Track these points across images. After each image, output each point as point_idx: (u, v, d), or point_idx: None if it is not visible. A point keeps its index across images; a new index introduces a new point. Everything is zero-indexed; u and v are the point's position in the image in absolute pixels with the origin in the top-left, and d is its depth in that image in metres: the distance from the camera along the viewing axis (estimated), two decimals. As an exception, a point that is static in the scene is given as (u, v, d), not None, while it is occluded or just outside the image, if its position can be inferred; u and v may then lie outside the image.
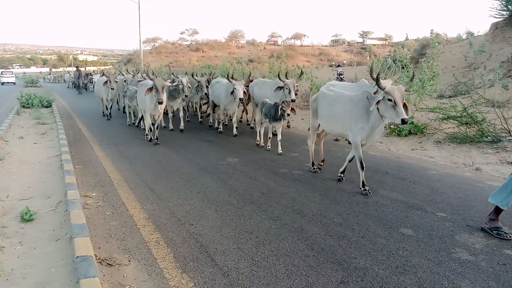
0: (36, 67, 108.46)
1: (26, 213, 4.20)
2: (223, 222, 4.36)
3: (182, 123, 10.85)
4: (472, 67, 16.16)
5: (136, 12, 32.06)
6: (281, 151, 7.75)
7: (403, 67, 12.82)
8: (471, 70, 15.86)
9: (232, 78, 9.43)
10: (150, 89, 8.24)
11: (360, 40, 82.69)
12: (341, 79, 15.61)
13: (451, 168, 6.83)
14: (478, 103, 9.01)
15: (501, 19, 17.74)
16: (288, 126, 11.54)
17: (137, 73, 16.39)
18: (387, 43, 72.83)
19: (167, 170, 6.58)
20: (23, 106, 15.14)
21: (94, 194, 5.27)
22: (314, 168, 6.53)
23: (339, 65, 24.19)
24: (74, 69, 28.76)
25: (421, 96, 10.24)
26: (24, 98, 15.84)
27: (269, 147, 8.13)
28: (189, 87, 10.45)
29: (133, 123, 11.81)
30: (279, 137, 7.86)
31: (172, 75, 11.15)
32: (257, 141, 8.68)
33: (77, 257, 3.20)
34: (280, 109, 7.34)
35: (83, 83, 28.09)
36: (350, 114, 5.47)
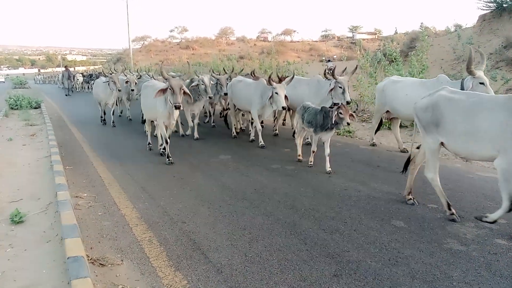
0: (24, 68, 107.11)
1: (16, 215, 4.14)
2: (216, 219, 4.35)
3: (195, 131, 9.10)
4: (461, 59, 16.26)
5: (125, 10, 31.79)
6: (329, 169, 6.13)
7: (392, 61, 12.86)
8: (460, 62, 15.96)
9: (270, 79, 7.41)
10: (163, 91, 6.43)
11: (350, 34, 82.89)
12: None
13: (441, 159, 6.87)
14: (467, 95, 9.05)
15: (488, 11, 17.86)
16: (284, 124, 11.10)
17: (142, 72, 14.46)
18: (376, 37, 73.09)
19: (158, 169, 6.55)
20: (12, 108, 14.94)
21: (85, 195, 5.22)
22: (411, 199, 4.80)
23: (329, 60, 24.22)
24: (63, 69, 27.74)
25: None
26: (12, 99, 15.63)
27: (312, 163, 6.53)
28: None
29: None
30: (327, 151, 6.16)
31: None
32: (299, 155, 6.88)
33: (68, 258, 3.17)
34: (336, 115, 5.72)
35: (72, 84, 26.95)
36: (503, 127, 3.70)
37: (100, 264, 3.39)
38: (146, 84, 7.87)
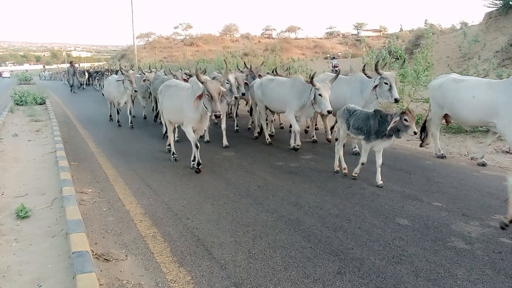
0: (29, 64, 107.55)
1: (21, 210, 4.18)
2: (220, 216, 4.36)
3: (225, 138, 7.98)
4: (467, 57, 16.18)
5: (129, 6, 31.79)
6: (381, 182, 5.32)
7: (397, 58, 12.80)
8: (466, 60, 15.88)
9: (312, 78, 6.56)
10: (200, 97, 5.56)
11: (355, 32, 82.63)
12: (336, 72, 15.59)
13: (447, 158, 6.85)
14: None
15: (494, 8, 17.74)
16: (282, 127, 10.24)
17: (161, 70, 13.37)
18: (381, 34, 72.76)
19: (162, 165, 6.56)
20: (17, 104, 15.03)
21: (90, 190, 5.25)
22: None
23: (334, 57, 24.18)
24: (68, 65, 25.74)
25: (416, 87, 10.24)
26: (17, 95, 15.72)
27: (356, 175, 5.67)
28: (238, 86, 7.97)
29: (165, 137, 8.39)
30: (379, 161, 5.33)
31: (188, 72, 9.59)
32: (337, 167, 6.02)
33: (73, 252, 3.19)
34: (398, 121, 4.87)
35: (78, 81, 25.98)
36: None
37: (105, 259, 3.41)
38: (168, 83, 6.91)
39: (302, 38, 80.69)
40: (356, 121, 5.42)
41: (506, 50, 14.08)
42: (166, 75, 10.82)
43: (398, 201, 4.77)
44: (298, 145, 7.27)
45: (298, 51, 64.59)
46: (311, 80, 6.49)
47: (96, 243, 3.72)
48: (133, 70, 11.76)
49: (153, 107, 11.79)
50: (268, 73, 10.26)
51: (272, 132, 8.85)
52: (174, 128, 7.24)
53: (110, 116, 11.86)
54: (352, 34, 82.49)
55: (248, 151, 7.51)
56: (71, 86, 24.49)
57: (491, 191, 5.09)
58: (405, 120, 4.83)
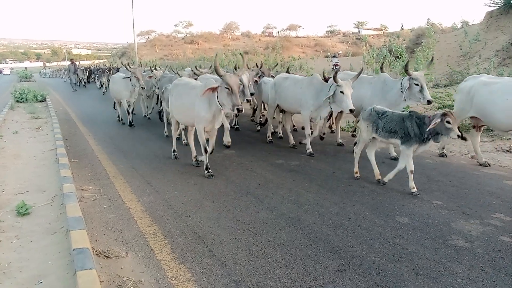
0: (30, 62, 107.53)
1: (22, 207, 4.18)
2: (220, 213, 4.36)
3: (227, 136, 7.26)
4: (467, 56, 16.17)
5: (130, 4, 31.76)
6: (414, 189, 4.92)
7: (397, 57, 12.80)
8: (466, 59, 15.87)
9: (336, 75, 6.15)
10: (213, 89, 5.30)
11: (356, 30, 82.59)
12: (337, 70, 15.57)
13: (447, 156, 6.84)
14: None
15: (495, 7, 17.72)
16: (295, 130, 9.35)
17: (167, 68, 12.57)
18: (382, 33, 72.74)
19: (163, 163, 6.56)
20: (17, 101, 15.02)
21: (91, 188, 5.25)
22: None
23: (334, 56, 24.17)
24: (69, 62, 25.16)
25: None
26: (18, 92, 15.71)
27: (386, 180, 5.30)
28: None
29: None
30: (410, 167, 4.92)
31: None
32: (356, 173, 5.64)
33: (73, 249, 3.19)
34: (441, 122, 4.51)
35: (79, 78, 25.60)
36: None
37: (105, 256, 3.42)
38: (177, 82, 6.49)
39: (303, 37, 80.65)
40: (388, 123, 5.00)
41: (507, 49, 14.06)
42: (176, 73, 10.09)
43: (398, 199, 4.78)
44: (311, 152, 6.95)
45: (298, 50, 64.54)
46: (334, 77, 6.12)
47: (96, 240, 3.73)
48: (140, 67, 11.33)
49: (156, 106, 11.59)
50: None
51: (280, 136, 8.59)
52: (179, 127, 7.10)
53: (118, 116, 11.07)
54: (352, 33, 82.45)
55: (249, 149, 7.50)
56: (73, 83, 23.97)
57: (491, 189, 5.09)
58: (447, 122, 4.48)
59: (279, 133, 8.68)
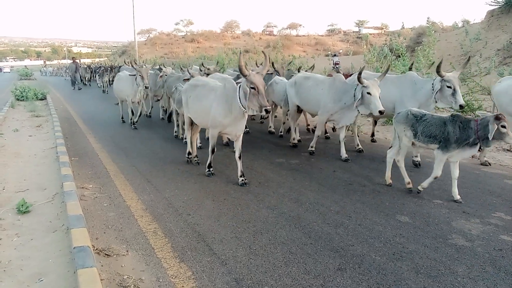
0: (30, 60, 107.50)
1: (22, 205, 4.18)
2: (221, 212, 4.37)
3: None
4: (468, 55, 16.15)
5: (130, 2, 31.75)
6: (459, 197, 4.67)
7: (398, 56, 12.79)
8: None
9: (360, 75, 5.70)
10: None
11: (356, 29, 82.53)
12: (337, 69, 15.56)
13: (490, 165, 6.82)
14: (474, 90, 9.03)
15: (496, 6, 17.70)
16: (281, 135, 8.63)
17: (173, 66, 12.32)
18: (383, 32, 72.69)
19: (163, 161, 6.56)
20: (18, 99, 15.03)
21: (91, 186, 5.25)
22: None
23: (335, 55, 24.15)
24: (71, 61, 24.52)
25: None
26: (18, 91, 15.72)
27: (423, 188, 4.90)
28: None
29: (181, 137, 8.03)
30: (456, 172, 4.67)
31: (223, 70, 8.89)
32: (390, 179, 5.30)
33: (74, 247, 3.20)
34: (497, 125, 4.14)
35: (81, 77, 25.20)
36: None
37: (106, 254, 3.42)
38: (194, 82, 6.12)
39: (303, 35, 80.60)
40: (428, 127, 4.63)
41: (507, 48, 14.05)
42: (187, 71, 9.27)
43: (399, 198, 4.78)
44: (312, 148, 6.85)
45: (299, 48, 64.52)
46: (358, 77, 5.67)
47: (97, 238, 3.73)
48: (147, 65, 10.59)
49: (163, 106, 11.10)
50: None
51: (280, 134, 8.44)
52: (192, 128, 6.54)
53: (122, 117, 10.74)
54: (353, 32, 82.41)
55: (249, 148, 7.50)
56: (74, 83, 23.37)
57: (491, 189, 5.09)
58: (503, 126, 4.13)
59: (280, 132, 8.61)
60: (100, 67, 26.15)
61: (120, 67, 23.03)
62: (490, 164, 6.20)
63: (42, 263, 3.22)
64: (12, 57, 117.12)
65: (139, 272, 3.15)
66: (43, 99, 15.83)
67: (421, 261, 3.29)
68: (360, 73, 5.71)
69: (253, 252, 3.45)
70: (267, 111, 4.67)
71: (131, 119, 9.91)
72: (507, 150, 7.01)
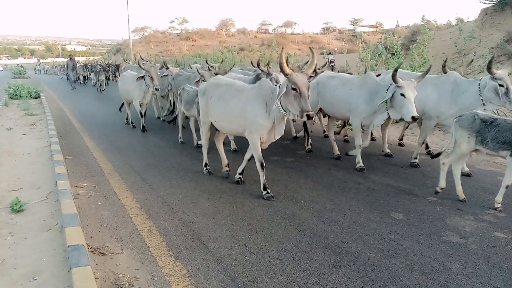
0: (24, 58, 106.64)
1: (16, 204, 4.15)
2: (216, 210, 4.36)
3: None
4: (462, 53, 16.22)
5: (125, 0, 31.59)
6: (499, 205, 4.39)
7: (393, 54, 12.83)
8: (461, 56, 15.92)
9: (395, 73, 5.02)
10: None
11: (351, 27, 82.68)
12: (332, 67, 15.57)
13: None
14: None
15: (490, 4, 17.77)
16: (347, 140, 7.33)
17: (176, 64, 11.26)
18: (377, 30, 72.78)
19: (158, 160, 6.54)
20: (11, 98, 14.91)
21: (85, 184, 5.23)
22: None
23: (330, 53, 24.14)
24: (68, 58, 23.56)
25: (412, 82, 10.25)
26: (12, 89, 15.60)
27: (500, 205, 4.41)
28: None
29: (197, 144, 7.27)
30: (510, 181, 4.27)
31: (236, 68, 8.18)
32: (441, 188, 4.78)
33: (68, 246, 3.18)
34: None
35: (79, 75, 24.61)
36: None
37: (100, 253, 3.41)
38: (215, 82, 5.40)
39: (299, 33, 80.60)
40: (501, 133, 4.17)
41: (501, 46, 14.11)
42: (196, 69, 8.80)
43: (393, 195, 4.80)
44: (361, 167, 5.86)
45: (294, 46, 64.50)
46: (393, 75, 5.02)
47: (91, 237, 3.72)
48: (156, 64, 9.91)
49: (169, 107, 10.55)
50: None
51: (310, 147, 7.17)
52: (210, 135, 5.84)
53: (127, 119, 10.06)
54: (348, 30, 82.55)
55: (244, 146, 7.46)
56: (71, 81, 22.79)
57: (485, 186, 5.12)
58: None
59: (296, 135, 8.07)
60: (96, 65, 25.54)
61: (117, 65, 22.84)
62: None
63: (36, 262, 3.20)
64: (5, 55, 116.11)
65: (134, 271, 3.15)
66: (37, 98, 15.72)
67: (415, 258, 3.30)
68: (396, 71, 5.03)
69: (248, 250, 3.45)
70: (309, 117, 4.10)
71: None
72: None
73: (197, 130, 6.86)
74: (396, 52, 12.42)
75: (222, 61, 15.15)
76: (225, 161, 5.71)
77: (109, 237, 3.73)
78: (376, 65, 13.05)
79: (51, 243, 3.51)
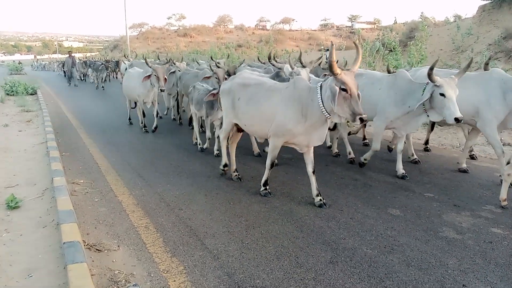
0: (20, 55, 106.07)
1: (12, 201, 4.13)
2: (213, 207, 4.35)
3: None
4: (460, 50, 16.21)
5: (122, -4, 31.40)
6: None
7: (391, 51, 12.82)
8: (459, 53, 15.92)
9: (431, 70, 4.53)
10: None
11: (349, 24, 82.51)
12: (434, 64, 15.52)
13: (438, 149, 6.89)
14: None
15: (488, 1, 17.77)
16: (366, 143, 6.47)
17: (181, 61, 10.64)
18: (375, 27, 72.70)
19: (155, 156, 6.52)
20: (8, 94, 14.82)
21: (82, 181, 5.20)
22: None
23: (327, 50, 24.07)
24: (67, 55, 22.90)
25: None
26: (8, 85, 15.51)
27: None
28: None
29: (203, 148, 6.89)
30: None
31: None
32: (504, 201, 4.30)
33: (64, 243, 3.17)
34: None
35: (79, 72, 24.07)
36: None
37: (97, 249, 3.39)
38: (242, 81, 4.85)
39: (296, 30, 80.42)
40: None
41: (499, 43, 14.12)
42: (209, 66, 8.14)
43: (390, 192, 4.80)
44: (366, 160, 5.72)
45: (292, 43, 64.35)
46: (429, 73, 4.54)
47: (88, 234, 3.70)
48: (165, 62, 9.17)
49: (177, 107, 9.91)
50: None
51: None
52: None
53: (130, 119, 9.68)
54: (346, 26, 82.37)
55: (241, 143, 7.45)
56: (69, 78, 21.91)
57: (482, 182, 5.13)
58: None
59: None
60: (97, 62, 24.91)
61: (117, 61, 22.71)
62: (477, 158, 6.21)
63: (32, 258, 3.18)
64: (2, 52, 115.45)
65: (130, 267, 3.13)
66: (33, 94, 15.64)
67: (412, 253, 3.31)
68: (432, 68, 4.54)
69: (245, 246, 3.44)
70: (362, 120, 3.67)
71: (142, 123, 8.87)
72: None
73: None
74: (393, 48, 12.40)
75: (228, 56, 14.82)
76: (233, 166, 5.37)
77: (105, 234, 3.71)
78: (373, 62, 13.05)
79: (47, 240, 3.49)
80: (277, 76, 5.91)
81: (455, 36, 17.07)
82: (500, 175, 5.03)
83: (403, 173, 5.34)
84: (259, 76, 5.18)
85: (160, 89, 7.99)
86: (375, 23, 77.86)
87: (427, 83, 4.68)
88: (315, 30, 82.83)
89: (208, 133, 6.74)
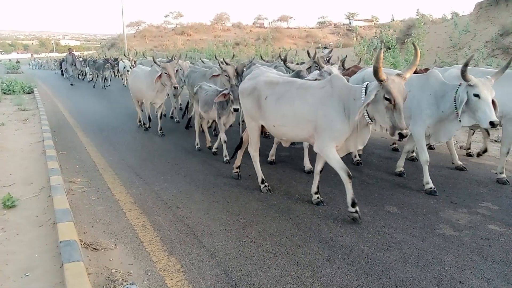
0: (17, 53, 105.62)
1: (8, 200, 4.11)
2: (210, 205, 4.35)
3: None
4: (457, 47, 16.25)
5: (119, -6, 31.30)
6: None
7: (388, 48, 12.83)
8: (456, 50, 15.95)
9: (465, 69, 4.11)
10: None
11: (347, 21, 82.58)
12: (328, 61, 15.51)
13: (435, 146, 6.89)
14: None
15: (485, -2, 17.81)
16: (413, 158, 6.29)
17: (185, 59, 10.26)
18: (373, 24, 72.72)
19: (153, 155, 6.51)
20: (4, 93, 14.76)
21: (79, 180, 5.19)
22: None
23: (325, 47, 24.11)
24: (67, 52, 22.75)
25: (407, 76, 10.27)
26: (5, 84, 15.45)
27: None
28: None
29: (214, 150, 6.61)
30: None
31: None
32: None
33: (60, 242, 3.16)
34: None
35: (79, 70, 23.88)
36: None
37: (94, 248, 3.38)
38: (269, 79, 4.48)
39: (294, 28, 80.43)
40: None
41: (496, 40, 14.15)
42: (218, 64, 7.59)
43: (388, 189, 4.80)
44: (430, 187, 4.69)
45: (290, 41, 64.37)
46: (463, 72, 4.11)
47: (84, 233, 3.69)
48: (175, 59, 8.69)
49: (183, 107, 9.76)
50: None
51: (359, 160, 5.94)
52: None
53: (139, 121, 9.08)
54: (344, 24, 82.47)
55: (238, 141, 7.46)
56: (68, 76, 21.90)
57: (479, 179, 5.14)
58: None
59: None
60: (97, 60, 24.47)
61: (116, 59, 22.59)
62: (474, 155, 6.22)
63: (28, 257, 3.17)
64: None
65: (127, 266, 3.13)
66: (30, 93, 15.58)
67: (409, 251, 3.31)
68: (466, 65, 4.11)
69: (242, 244, 3.44)
70: (401, 135, 3.30)
71: (140, 121, 8.74)
72: (495, 141, 7.08)
73: (201, 131, 6.76)
74: (391, 46, 12.42)
75: (233, 56, 14.70)
76: (239, 162, 5.15)
77: (102, 233, 3.70)
78: (371, 59, 13.06)
79: (44, 239, 3.48)
80: (298, 75, 5.47)
81: (452, 33, 17.09)
82: (496, 172, 5.11)
83: (401, 171, 5.30)
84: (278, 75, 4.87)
85: (174, 87, 7.56)
86: (372, 21, 77.90)
87: (460, 84, 4.28)
88: (312, 28, 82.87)
89: (223, 136, 6.07)
